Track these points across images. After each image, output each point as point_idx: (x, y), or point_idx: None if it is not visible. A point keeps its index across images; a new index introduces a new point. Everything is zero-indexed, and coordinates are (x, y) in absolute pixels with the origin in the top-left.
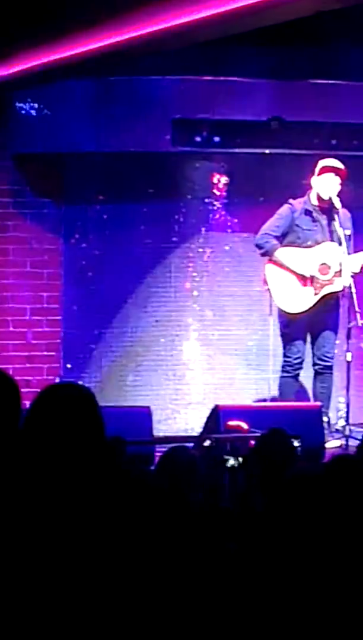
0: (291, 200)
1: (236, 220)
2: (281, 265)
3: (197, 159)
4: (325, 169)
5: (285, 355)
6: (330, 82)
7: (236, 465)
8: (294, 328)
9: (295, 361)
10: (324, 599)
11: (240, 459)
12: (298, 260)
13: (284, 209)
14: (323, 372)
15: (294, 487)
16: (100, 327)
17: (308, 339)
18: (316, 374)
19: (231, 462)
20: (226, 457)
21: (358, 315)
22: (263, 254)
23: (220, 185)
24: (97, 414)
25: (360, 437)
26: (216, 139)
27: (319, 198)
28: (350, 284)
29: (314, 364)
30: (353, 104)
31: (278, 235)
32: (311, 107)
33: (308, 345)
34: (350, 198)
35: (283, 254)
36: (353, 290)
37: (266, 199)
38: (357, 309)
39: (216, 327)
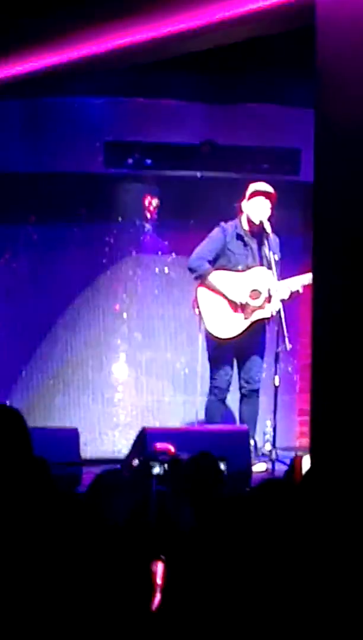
0: (222, 223)
1: (166, 243)
2: (213, 290)
3: (129, 181)
4: (255, 193)
5: (212, 379)
6: (262, 105)
7: (161, 473)
8: (222, 352)
9: (223, 385)
10: (252, 616)
11: (166, 466)
12: (230, 285)
13: (216, 232)
14: (249, 395)
15: (222, 509)
16: (29, 348)
17: (235, 362)
18: (243, 397)
19: (157, 469)
20: (152, 464)
21: (286, 340)
22: (196, 278)
23: (151, 208)
24: (26, 434)
25: (286, 461)
26: (148, 161)
27: (249, 222)
28: (280, 309)
29: (241, 388)
30: (284, 128)
31: (210, 259)
32: (243, 131)
33: (236, 369)
34: (280, 223)
35: (215, 278)
36: (282, 315)
37: (197, 222)
38: (285, 333)
39: (144, 350)
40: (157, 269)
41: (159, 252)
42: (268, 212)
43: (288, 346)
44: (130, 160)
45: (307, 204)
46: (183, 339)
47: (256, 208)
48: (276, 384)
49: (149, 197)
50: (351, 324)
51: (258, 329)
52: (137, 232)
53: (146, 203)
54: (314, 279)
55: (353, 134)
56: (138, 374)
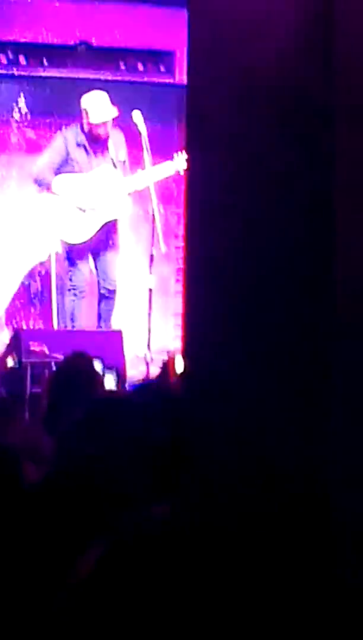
0: (64, 129)
1: (39, 143)
2: (59, 195)
3: (3, 80)
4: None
5: (70, 280)
6: (137, 5)
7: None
8: (78, 253)
9: (80, 284)
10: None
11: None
12: (76, 189)
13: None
14: (108, 295)
15: (99, 408)
16: None
17: (93, 263)
18: (102, 297)
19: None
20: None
21: (161, 242)
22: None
23: (24, 108)
24: None
25: (160, 364)
26: (22, 61)
27: (90, 125)
28: (154, 211)
29: (99, 288)
30: (159, 29)
31: (54, 168)
32: (118, 32)
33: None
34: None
35: (60, 183)
36: (157, 216)
37: (68, 122)
38: (160, 235)
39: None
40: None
41: (33, 153)
42: (111, 113)
43: (163, 248)
44: (4, 60)
45: (182, 106)
46: (39, 241)
47: (96, 110)
48: (151, 286)
49: (22, 97)
50: (224, 225)
51: (112, 229)
52: (8, 132)
53: (20, 103)
54: (187, 180)
55: (228, 34)
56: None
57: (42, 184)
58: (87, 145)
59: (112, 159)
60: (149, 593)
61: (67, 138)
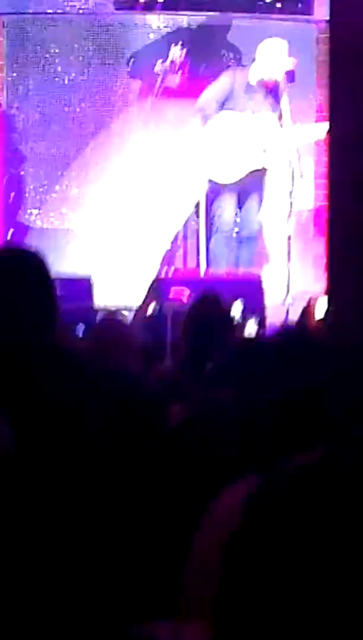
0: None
1: (176, 88)
2: (218, 130)
3: (141, 25)
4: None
5: (215, 222)
6: None
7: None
8: (225, 194)
9: (225, 226)
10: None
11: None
12: (236, 129)
13: (225, 75)
14: (248, 240)
15: (242, 352)
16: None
17: (237, 205)
18: (241, 241)
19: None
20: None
21: (300, 189)
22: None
23: (170, 53)
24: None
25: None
26: (159, 3)
27: (261, 71)
28: (295, 153)
29: (241, 230)
30: None
31: (218, 103)
32: None
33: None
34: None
35: (222, 119)
36: (297, 160)
37: (208, 67)
38: (297, 180)
39: (155, 198)
40: (170, 115)
41: (171, 97)
42: (285, 62)
43: (301, 192)
44: (141, 2)
45: (319, 44)
46: (188, 186)
47: (269, 58)
48: (290, 233)
49: (163, 42)
50: None
51: (258, 176)
52: (151, 76)
53: (161, 48)
54: (331, 122)
55: None
56: (147, 222)
57: (205, 115)
58: (255, 89)
59: (276, 109)
60: (298, 537)
61: (236, 78)
